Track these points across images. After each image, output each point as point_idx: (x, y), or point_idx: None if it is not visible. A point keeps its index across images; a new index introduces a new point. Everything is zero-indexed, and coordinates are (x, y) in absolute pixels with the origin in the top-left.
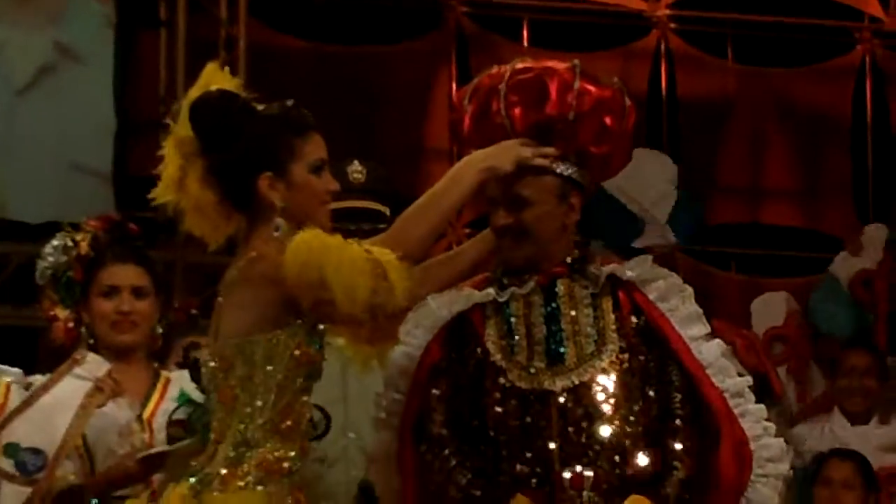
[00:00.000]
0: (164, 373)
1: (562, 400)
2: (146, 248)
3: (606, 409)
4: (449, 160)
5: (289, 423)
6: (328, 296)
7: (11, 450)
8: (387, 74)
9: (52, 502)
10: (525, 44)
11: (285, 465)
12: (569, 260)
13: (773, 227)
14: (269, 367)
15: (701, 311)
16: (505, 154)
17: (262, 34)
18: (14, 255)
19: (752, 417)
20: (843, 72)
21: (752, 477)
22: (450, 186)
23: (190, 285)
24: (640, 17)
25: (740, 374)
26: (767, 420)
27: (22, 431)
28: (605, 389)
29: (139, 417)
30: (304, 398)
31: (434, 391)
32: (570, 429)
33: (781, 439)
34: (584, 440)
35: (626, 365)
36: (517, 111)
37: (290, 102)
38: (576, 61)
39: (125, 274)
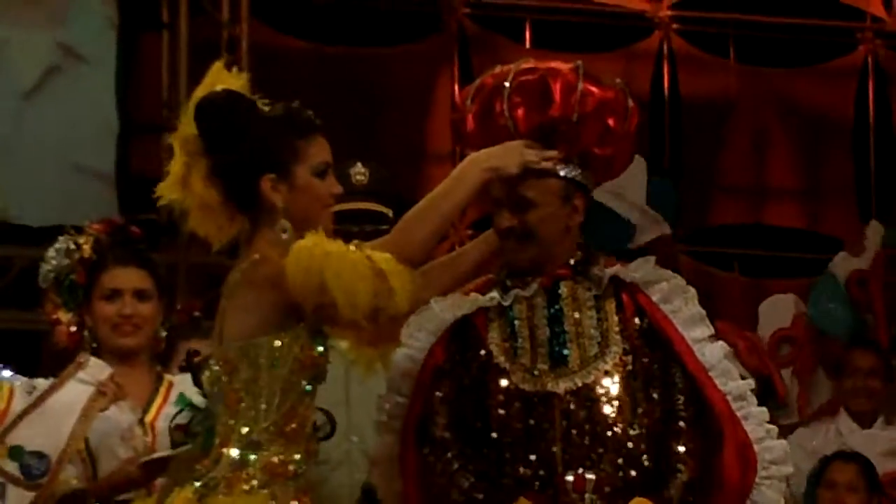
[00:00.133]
0: (167, 376)
1: (565, 402)
2: (149, 250)
3: (610, 411)
4: (451, 162)
5: (293, 425)
6: (330, 301)
7: (16, 453)
8: (388, 76)
9: None
10: (527, 45)
11: (290, 467)
12: (572, 262)
13: (775, 227)
14: (273, 370)
15: (704, 312)
16: (509, 155)
17: (265, 36)
18: (17, 259)
19: (755, 420)
20: (845, 72)
21: (757, 479)
22: (453, 187)
23: (193, 287)
24: (642, 18)
25: (743, 377)
26: (769, 423)
27: (27, 435)
28: (608, 392)
29: (141, 421)
30: (309, 401)
31: (437, 394)
32: (574, 431)
33: (784, 441)
34: (587, 442)
35: (629, 367)
36: (520, 112)
37: (295, 104)
38: (579, 62)
39: (127, 277)
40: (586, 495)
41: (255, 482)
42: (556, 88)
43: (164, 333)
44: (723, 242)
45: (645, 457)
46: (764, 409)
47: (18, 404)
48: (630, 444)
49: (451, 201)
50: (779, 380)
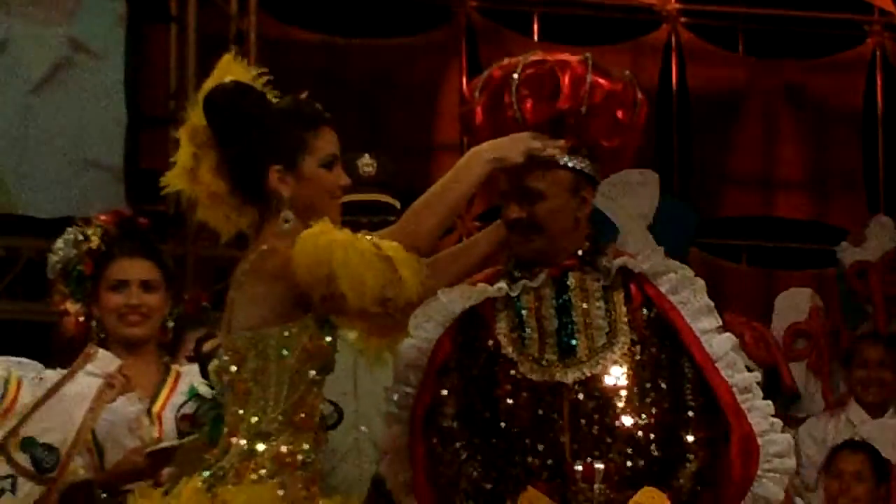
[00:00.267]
0: (174, 367)
1: (573, 392)
2: (157, 242)
3: (618, 401)
4: (459, 153)
5: (302, 415)
6: (337, 290)
7: (28, 444)
8: (397, 68)
9: (61, 497)
10: (535, 38)
11: (299, 457)
12: (580, 252)
13: (784, 219)
14: (282, 360)
15: (712, 304)
16: (514, 145)
17: (272, 28)
18: (25, 250)
19: (760, 413)
20: (853, 64)
21: (759, 472)
22: (458, 177)
23: (201, 279)
24: (650, 11)
25: (749, 369)
26: (774, 416)
27: (38, 427)
28: (616, 382)
29: (149, 411)
30: (317, 391)
31: (445, 384)
32: (582, 421)
33: (788, 435)
34: (595, 432)
35: (637, 357)
36: (529, 104)
37: (303, 96)
38: (588, 54)
39: (134, 268)
40: (595, 485)
41: (263, 472)
42: (565, 80)
43: (171, 324)
44: (731, 234)
45: (653, 446)
46: (769, 401)
47: (26, 396)
48: (638, 434)
49: (457, 192)
50: (786, 371)
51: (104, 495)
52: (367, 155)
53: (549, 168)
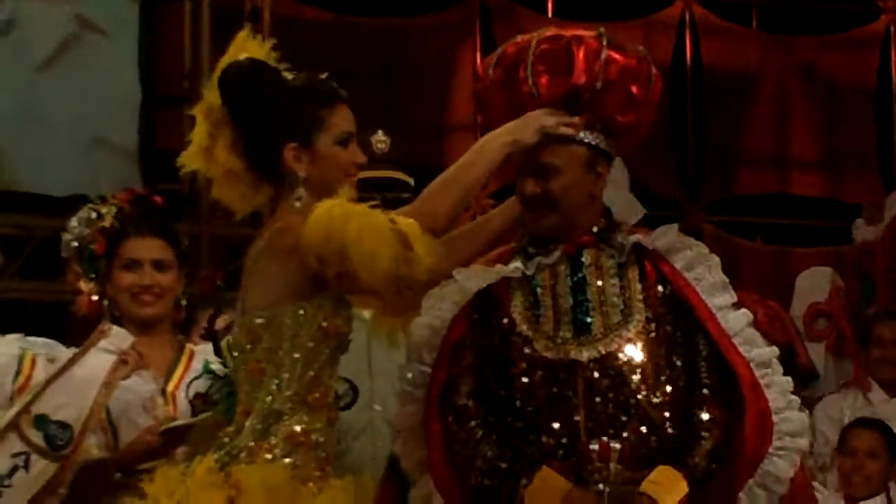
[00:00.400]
0: (188, 345)
1: (588, 370)
2: (171, 221)
3: (633, 378)
4: (473, 132)
5: (316, 395)
6: (350, 266)
7: (41, 421)
8: (411, 46)
9: (75, 475)
10: (549, 15)
11: (313, 437)
12: (595, 229)
13: (798, 196)
14: (296, 339)
15: (727, 280)
16: (526, 126)
17: (287, 6)
18: (38, 230)
19: (778, 388)
20: (867, 41)
21: (771, 449)
22: (474, 160)
23: (215, 258)
24: None
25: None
26: (793, 393)
27: (51, 404)
28: (631, 359)
29: (163, 391)
30: (331, 370)
31: (460, 363)
32: (597, 399)
33: (804, 414)
34: (610, 410)
35: (652, 334)
36: (544, 80)
37: (321, 74)
38: (602, 29)
39: (146, 247)
40: (611, 464)
41: (277, 451)
42: (580, 55)
43: (184, 303)
44: (746, 211)
45: (668, 424)
46: (788, 378)
47: (40, 374)
48: (653, 412)
49: (472, 175)
50: (802, 349)
51: (118, 474)
52: (380, 131)
53: (565, 143)
